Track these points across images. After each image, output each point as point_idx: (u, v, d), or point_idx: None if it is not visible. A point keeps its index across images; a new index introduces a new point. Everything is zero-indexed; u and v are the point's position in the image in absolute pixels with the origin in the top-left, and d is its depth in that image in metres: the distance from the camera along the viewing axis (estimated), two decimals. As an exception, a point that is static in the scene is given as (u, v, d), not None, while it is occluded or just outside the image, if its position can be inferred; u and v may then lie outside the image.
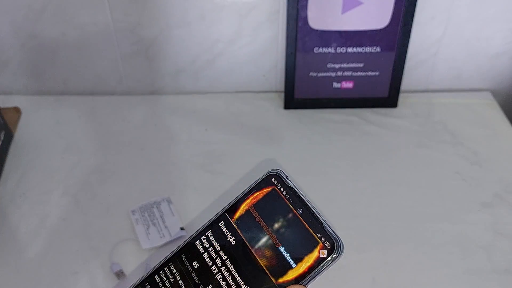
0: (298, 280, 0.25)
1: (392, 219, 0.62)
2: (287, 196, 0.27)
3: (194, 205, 0.63)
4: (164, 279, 0.27)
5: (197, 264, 0.26)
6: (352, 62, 0.75)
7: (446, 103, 0.81)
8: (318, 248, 0.26)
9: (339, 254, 0.26)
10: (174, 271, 0.27)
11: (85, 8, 0.72)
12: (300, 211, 0.26)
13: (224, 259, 0.26)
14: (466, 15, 0.74)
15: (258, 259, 0.25)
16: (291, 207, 0.26)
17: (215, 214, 0.27)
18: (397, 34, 0.72)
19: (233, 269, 0.25)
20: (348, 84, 0.77)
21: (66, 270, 0.56)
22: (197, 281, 0.26)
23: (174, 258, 0.27)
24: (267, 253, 0.25)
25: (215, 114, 0.79)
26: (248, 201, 0.27)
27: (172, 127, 0.76)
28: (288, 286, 0.24)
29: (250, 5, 0.72)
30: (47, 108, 0.80)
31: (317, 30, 0.72)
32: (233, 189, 0.66)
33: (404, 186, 0.66)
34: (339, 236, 0.26)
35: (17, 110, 0.78)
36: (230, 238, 0.26)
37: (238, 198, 0.27)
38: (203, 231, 0.27)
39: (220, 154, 0.71)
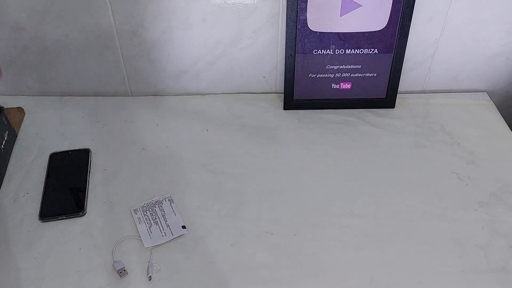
0: None
1: (389, 218, 0.63)
2: None
3: (196, 204, 0.64)
4: None
5: None
6: (351, 64, 0.76)
7: (443, 104, 0.82)
8: None
9: None
10: None
11: (87, 10, 0.73)
12: None
13: None
14: (463, 17, 0.75)
15: None
16: None
17: None
18: (394, 36, 0.73)
19: None
20: (347, 85, 0.78)
21: (68, 269, 0.57)
22: None
23: None
24: None
25: (216, 115, 0.80)
26: None
27: (174, 127, 0.77)
28: None
29: (250, 8, 0.73)
30: (51, 109, 0.81)
31: (316, 32, 0.73)
32: (233, 188, 0.67)
33: (401, 186, 0.67)
34: None
35: (20, 111, 0.78)
36: None
37: None
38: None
39: (221, 154, 0.72)
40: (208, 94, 0.84)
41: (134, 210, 0.63)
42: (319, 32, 0.72)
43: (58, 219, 0.62)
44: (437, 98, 0.83)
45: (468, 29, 0.76)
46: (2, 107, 0.71)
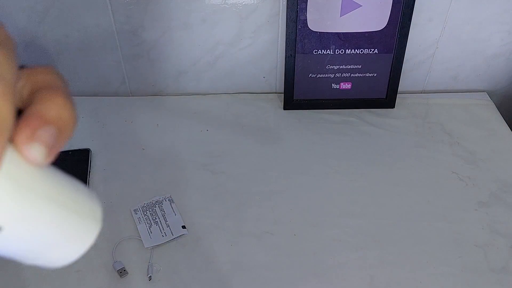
0: None
1: (389, 218, 0.63)
2: None
3: (196, 204, 0.64)
4: None
5: None
6: (351, 64, 0.76)
7: (443, 104, 0.82)
8: None
9: None
10: None
11: (87, 10, 0.73)
12: None
13: None
14: (463, 17, 0.75)
15: None
16: None
17: None
18: (395, 36, 0.73)
19: None
20: (347, 85, 0.78)
21: (68, 269, 0.56)
22: None
23: None
24: None
25: (216, 115, 0.79)
26: None
27: (174, 127, 0.77)
28: None
29: (250, 8, 0.73)
30: (50, 109, 0.80)
31: (316, 32, 0.73)
32: (233, 188, 0.67)
33: (401, 186, 0.67)
34: None
35: (20, 111, 0.78)
36: None
37: None
38: None
39: (221, 154, 0.72)
40: (208, 94, 0.84)
41: (134, 210, 0.63)
42: (319, 32, 0.72)
43: (58, 219, 0.62)
44: (437, 98, 0.83)
45: (468, 29, 0.76)
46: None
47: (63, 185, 0.22)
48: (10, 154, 0.18)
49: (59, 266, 0.24)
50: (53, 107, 0.18)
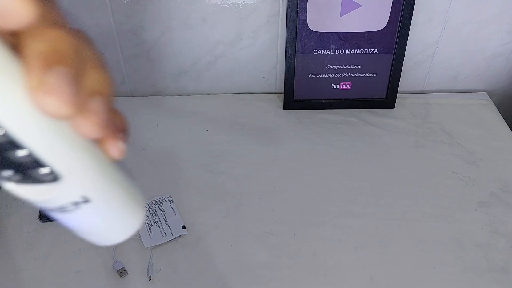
0: None
1: (389, 218, 0.63)
2: None
3: (196, 204, 0.64)
4: None
5: None
6: (351, 64, 0.76)
7: (443, 104, 0.82)
8: None
9: None
10: None
11: (87, 10, 0.73)
12: None
13: None
14: (463, 17, 0.75)
15: None
16: None
17: None
18: (394, 36, 0.73)
19: None
20: (347, 85, 0.78)
21: (68, 269, 0.57)
22: None
23: None
24: None
25: (216, 115, 0.80)
26: None
27: (174, 127, 0.77)
28: None
29: (250, 8, 0.73)
30: (50, 109, 0.81)
31: (316, 32, 0.73)
32: (233, 188, 0.67)
33: (401, 186, 0.67)
34: None
35: (20, 111, 0.78)
36: None
37: None
38: None
39: (220, 154, 0.72)
40: (208, 94, 0.84)
41: (134, 210, 0.63)
42: (319, 32, 0.72)
43: (58, 219, 0.62)
44: (437, 98, 0.83)
45: (468, 29, 0.76)
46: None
47: (121, 173, 0.25)
48: (90, 144, 0.22)
49: (108, 245, 0.27)
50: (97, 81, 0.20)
